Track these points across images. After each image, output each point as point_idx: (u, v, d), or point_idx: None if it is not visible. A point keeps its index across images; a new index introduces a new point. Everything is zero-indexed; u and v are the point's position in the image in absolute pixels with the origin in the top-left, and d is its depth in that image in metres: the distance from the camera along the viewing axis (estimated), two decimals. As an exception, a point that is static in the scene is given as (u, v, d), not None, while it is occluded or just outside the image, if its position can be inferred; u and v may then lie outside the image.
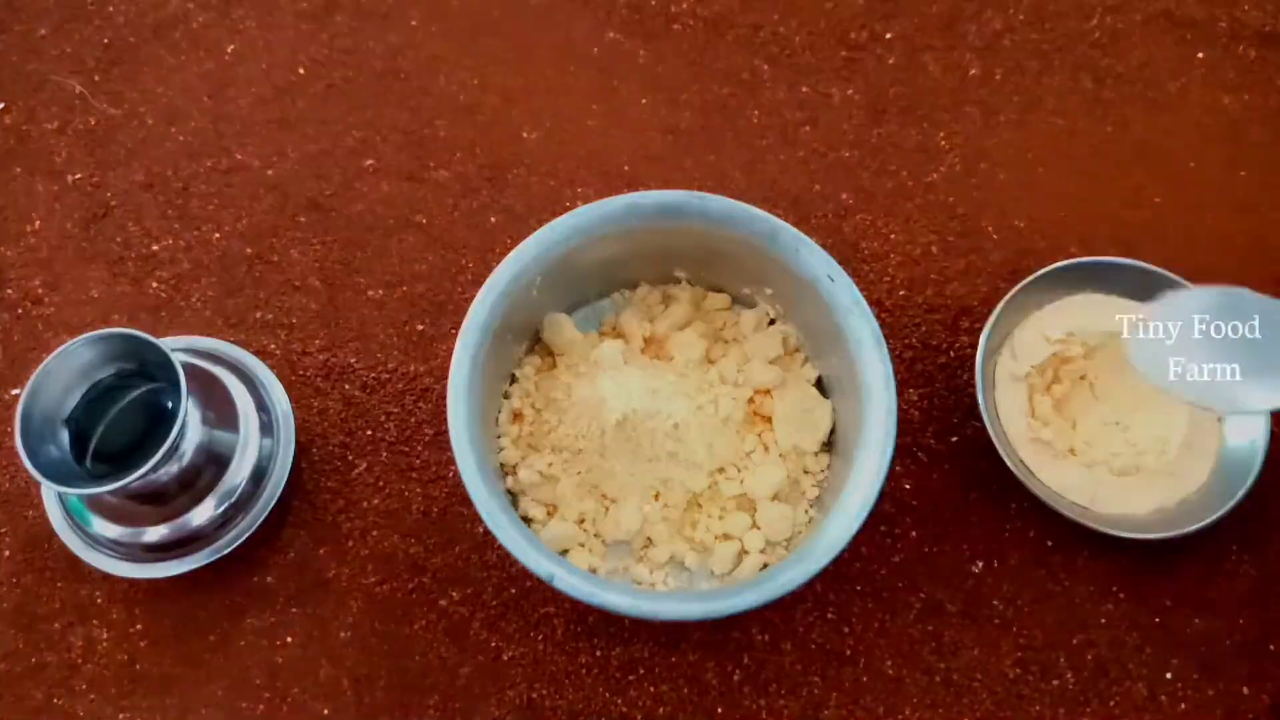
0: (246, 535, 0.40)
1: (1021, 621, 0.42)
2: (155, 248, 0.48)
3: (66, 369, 0.33)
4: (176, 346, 0.40)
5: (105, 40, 0.52)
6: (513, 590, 0.42)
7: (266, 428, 0.41)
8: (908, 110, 0.51)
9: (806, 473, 0.41)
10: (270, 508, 0.40)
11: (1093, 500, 0.42)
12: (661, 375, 0.41)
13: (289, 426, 0.41)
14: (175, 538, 0.39)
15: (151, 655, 0.41)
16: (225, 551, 0.39)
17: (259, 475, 0.40)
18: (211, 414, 0.39)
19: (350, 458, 0.44)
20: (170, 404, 0.33)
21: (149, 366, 0.34)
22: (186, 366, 0.34)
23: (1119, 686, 0.41)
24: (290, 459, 0.41)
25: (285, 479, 0.40)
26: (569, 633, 0.41)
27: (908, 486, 0.44)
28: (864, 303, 0.37)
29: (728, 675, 0.41)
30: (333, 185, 0.49)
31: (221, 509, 0.39)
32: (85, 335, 0.32)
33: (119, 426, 0.36)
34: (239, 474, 0.39)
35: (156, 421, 0.35)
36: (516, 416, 0.42)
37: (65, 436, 0.33)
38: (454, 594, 0.42)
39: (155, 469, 0.33)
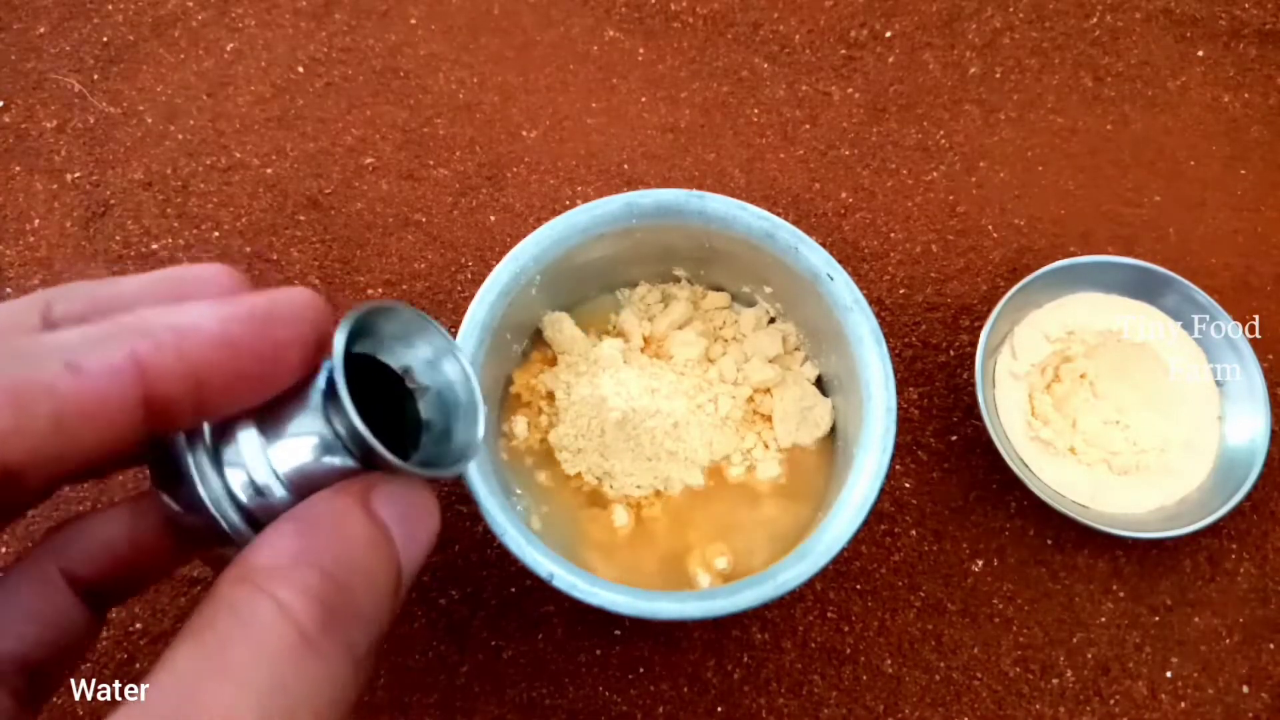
0: None
1: (1021, 620, 0.42)
2: (155, 246, 0.48)
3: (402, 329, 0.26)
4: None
5: (104, 39, 0.52)
6: (513, 589, 0.42)
7: None
8: (907, 108, 0.51)
9: (806, 471, 0.41)
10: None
11: (1093, 499, 0.42)
12: (661, 374, 0.41)
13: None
14: None
15: (151, 655, 0.41)
16: None
17: None
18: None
19: (350, 457, 0.44)
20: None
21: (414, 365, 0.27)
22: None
23: (1119, 685, 0.41)
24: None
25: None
26: (569, 632, 0.41)
27: (908, 485, 0.44)
28: (864, 301, 0.37)
29: (728, 674, 0.41)
30: (332, 183, 0.49)
31: None
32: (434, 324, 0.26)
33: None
34: None
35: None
36: (516, 415, 0.42)
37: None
38: (454, 593, 0.42)
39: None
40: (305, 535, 0.21)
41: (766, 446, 0.41)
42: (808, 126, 0.50)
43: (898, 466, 0.44)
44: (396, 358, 0.27)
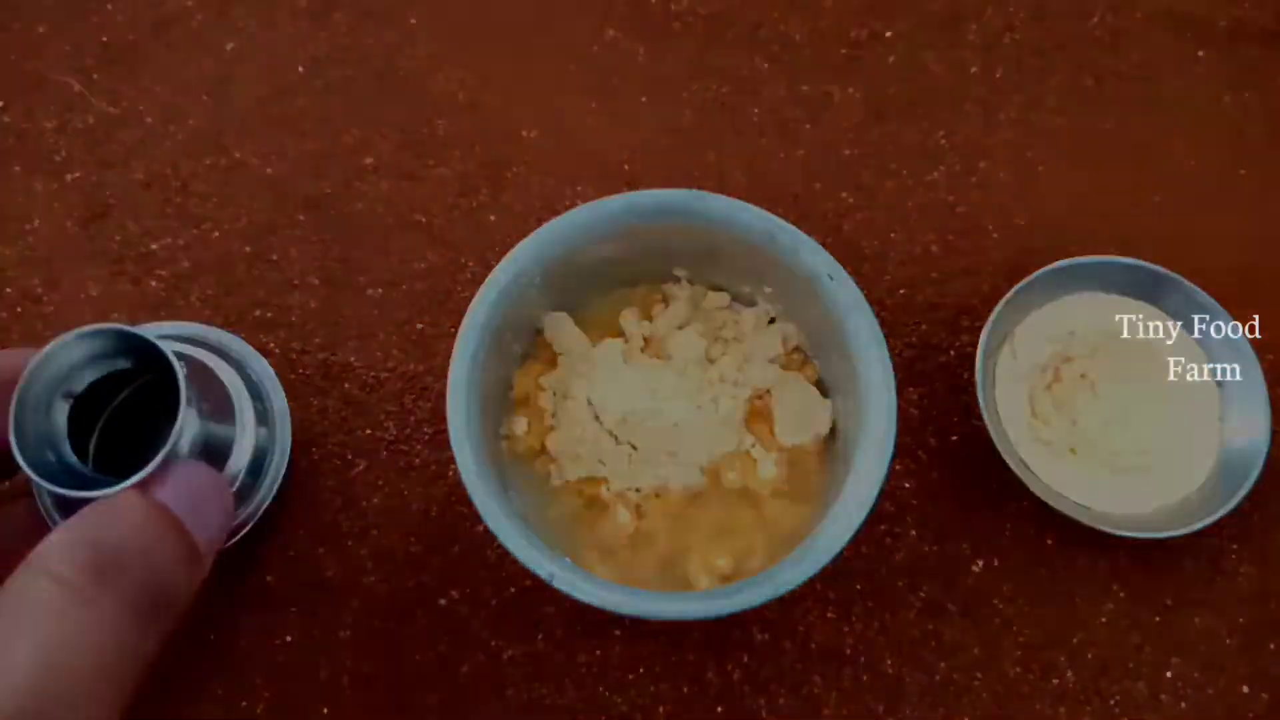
0: (250, 526, 0.39)
1: (1022, 620, 0.42)
2: (154, 246, 0.48)
3: (54, 372, 0.30)
4: (164, 334, 0.39)
5: (104, 39, 0.52)
6: (513, 589, 0.42)
7: (262, 416, 0.40)
8: (908, 109, 0.51)
9: (806, 472, 0.41)
10: (272, 496, 0.39)
11: (1093, 499, 0.42)
12: (661, 375, 0.41)
13: (284, 412, 0.41)
14: None
15: (151, 654, 0.41)
16: (229, 543, 0.39)
17: (257, 466, 0.39)
18: (207, 406, 0.37)
19: (350, 457, 0.44)
20: (168, 398, 0.32)
21: (146, 360, 0.32)
22: (185, 360, 0.33)
23: (1119, 685, 0.41)
24: (288, 445, 0.40)
25: (285, 467, 0.40)
26: (569, 632, 0.41)
27: (908, 486, 0.44)
28: (864, 301, 0.37)
29: (727, 674, 0.41)
30: (332, 184, 0.49)
31: None
32: (74, 332, 0.30)
33: (119, 422, 0.34)
34: (238, 465, 0.39)
35: (156, 413, 0.32)
36: (516, 415, 0.42)
37: (63, 426, 0.30)
38: (454, 593, 0.42)
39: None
40: (74, 526, 0.25)
41: (767, 447, 0.41)
42: (808, 127, 0.50)
43: (898, 466, 0.44)
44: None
